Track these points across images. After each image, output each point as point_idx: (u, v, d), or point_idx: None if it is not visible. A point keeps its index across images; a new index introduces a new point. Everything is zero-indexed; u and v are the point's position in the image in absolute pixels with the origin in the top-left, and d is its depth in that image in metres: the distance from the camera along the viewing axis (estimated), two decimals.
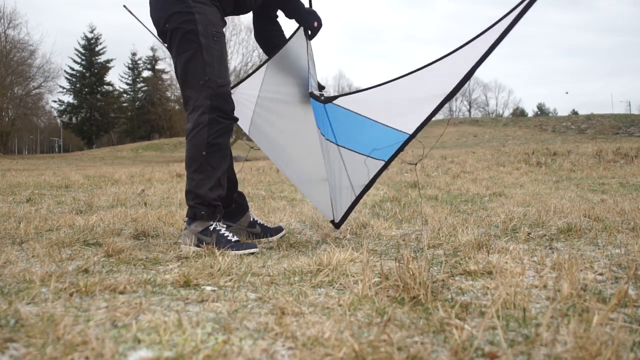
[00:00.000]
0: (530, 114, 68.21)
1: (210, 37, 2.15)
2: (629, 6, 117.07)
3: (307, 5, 2.46)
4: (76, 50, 50.63)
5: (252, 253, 2.09)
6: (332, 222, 2.49)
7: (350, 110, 2.28)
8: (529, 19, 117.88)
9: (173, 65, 2.29)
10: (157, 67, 54.68)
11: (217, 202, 2.17)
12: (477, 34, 1.96)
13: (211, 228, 2.16)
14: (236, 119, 2.27)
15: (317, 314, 1.27)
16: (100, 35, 50.99)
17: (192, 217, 2.17)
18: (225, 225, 2.24)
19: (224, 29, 2.31)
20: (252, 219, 2.51)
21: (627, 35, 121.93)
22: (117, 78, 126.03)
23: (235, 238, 2.16)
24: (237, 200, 2.49)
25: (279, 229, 2.53)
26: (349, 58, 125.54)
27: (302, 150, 2.57)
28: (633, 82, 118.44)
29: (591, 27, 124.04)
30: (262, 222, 2.53)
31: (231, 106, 2.20)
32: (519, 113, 68.17)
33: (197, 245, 2.12)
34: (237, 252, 2.06)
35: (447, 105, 71.20)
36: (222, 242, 2.11)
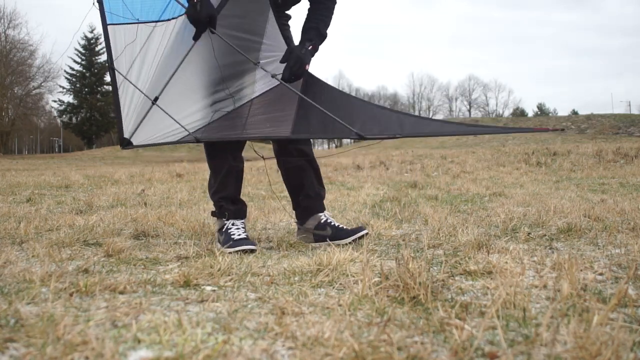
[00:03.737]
0: (530, 114, 68.21)
1: None
2: (634, 7, 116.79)
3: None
4: (76, 50, 50.57)
5: (245, 250, 2.09)
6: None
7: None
8: (531, 19, 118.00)
9: None
10: None
11: (220, 203, 2.31)
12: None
13: (224, 228, 2.24)
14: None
15: (317, 314, 1.27)
16: (101, 35, 50.84)
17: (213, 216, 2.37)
18: (239, 224, 2.26)
19: None
20: (322, 221, 2.36)
21: (630, 36, 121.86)
22: None
23: (242, 236, 2.18)
24: (302, 203, 2.39)
25: (358, 230, 2.33)
26: (350, 58, 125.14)
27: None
28: (634, 82, 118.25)
29: (593, 27, 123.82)
30: (335, 224, 2.36)
31: None
32: (519, 113, 68.06)
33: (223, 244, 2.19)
34: (230, 249, 2.09)
35: (446, 106, 71.67)
36: (224, 241, 2.16)
